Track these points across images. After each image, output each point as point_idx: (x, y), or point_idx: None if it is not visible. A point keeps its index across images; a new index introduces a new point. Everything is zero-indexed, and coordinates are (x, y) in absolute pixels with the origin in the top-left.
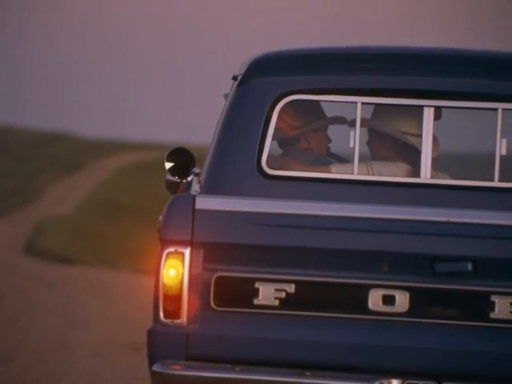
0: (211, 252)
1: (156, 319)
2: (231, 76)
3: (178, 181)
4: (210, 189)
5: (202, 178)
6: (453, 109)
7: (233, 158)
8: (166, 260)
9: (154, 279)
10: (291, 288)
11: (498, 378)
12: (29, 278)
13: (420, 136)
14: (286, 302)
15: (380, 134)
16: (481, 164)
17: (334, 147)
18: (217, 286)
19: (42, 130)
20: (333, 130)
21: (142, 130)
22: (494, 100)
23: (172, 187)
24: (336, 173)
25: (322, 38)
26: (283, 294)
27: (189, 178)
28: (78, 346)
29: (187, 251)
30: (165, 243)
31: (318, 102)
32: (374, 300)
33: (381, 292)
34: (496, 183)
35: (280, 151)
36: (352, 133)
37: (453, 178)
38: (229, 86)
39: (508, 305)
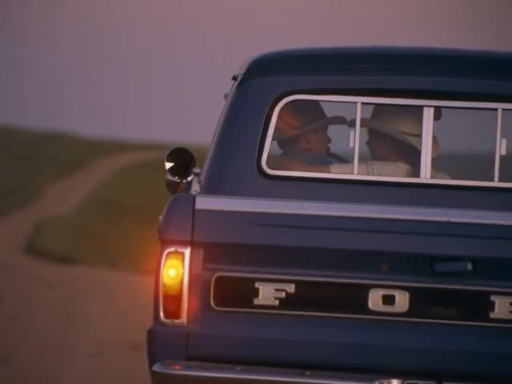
0: (211, 252)
1: (156, 319)
2: (231, 76)
3: (178, 181)
4: (210, 189)
5: (202, 178)
6: (453, 109)
7: (233, 158)
8: (166, 260)
9: (154, 279)
10: (291, 288)
11: (497, 378)
12: (29, 278)
13: (420, 136)
14: (286, 302)
15: (380, 133)
16: (481, 164)
17: (334, 147)
18: (217, 285)
19: (42, 129)
20: (333, 130)
21: (142, 130)
22: (494, 100)
23: (172, 187)
24: (336, 173)
25: (322, 38)
26: (283, 294)
27: (189, 178)
28: (78, 345)
29: (187, 251)
30: (165, 243)
31: (317, 102)
32: (374, 300)
33: (381, 292)
34: (496, 183)
35: (280, 151)
36: (352, 133)
37: (453, 177)
38: (229, 86)
39: (508, 305)
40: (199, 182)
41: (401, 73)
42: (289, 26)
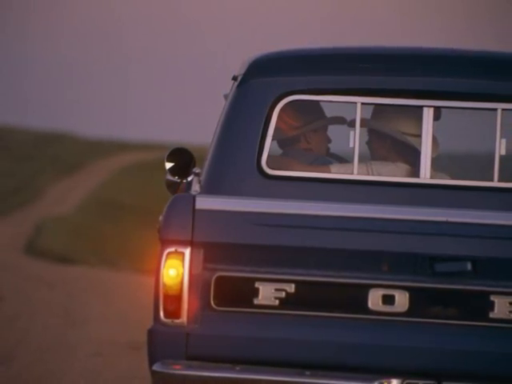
0: (211, 252)
1: (156, 319)
2: (231, 76)
3: (178, 181)
4: (210, 189)
5: (202, 178)
6: (452, 109)
7: (233, 157)
8: (166, 260)
9: (154, 279)
10: (291, 288)
11: (497, 378)
12: (29, 278)
13: (420, 136)
14: (286, 302)
15: (380, 134)
16: (480, 164)
17: (334, 147)
18: (217, 285)
19: (42, 129)
20: (333, 130)
21: (142, 130)
22: (494, 100)
23: (172, 187)
24: (336, 173)
25: (322, 38)
26: (283, 294)
27: (189, 178)
28: (78, 345)
29: (187, 251)
30: (165, 243)
31: (317, 102)
32: (374, 300)
33: (381, 292)
34: (495, 183)
35: (280, 151)
36: (352, 133)
37: (452, 178)
38: (229, 86)
39: (507, 305)
40: (199, 182)
41: (400, 73)
42: (289, 26)
